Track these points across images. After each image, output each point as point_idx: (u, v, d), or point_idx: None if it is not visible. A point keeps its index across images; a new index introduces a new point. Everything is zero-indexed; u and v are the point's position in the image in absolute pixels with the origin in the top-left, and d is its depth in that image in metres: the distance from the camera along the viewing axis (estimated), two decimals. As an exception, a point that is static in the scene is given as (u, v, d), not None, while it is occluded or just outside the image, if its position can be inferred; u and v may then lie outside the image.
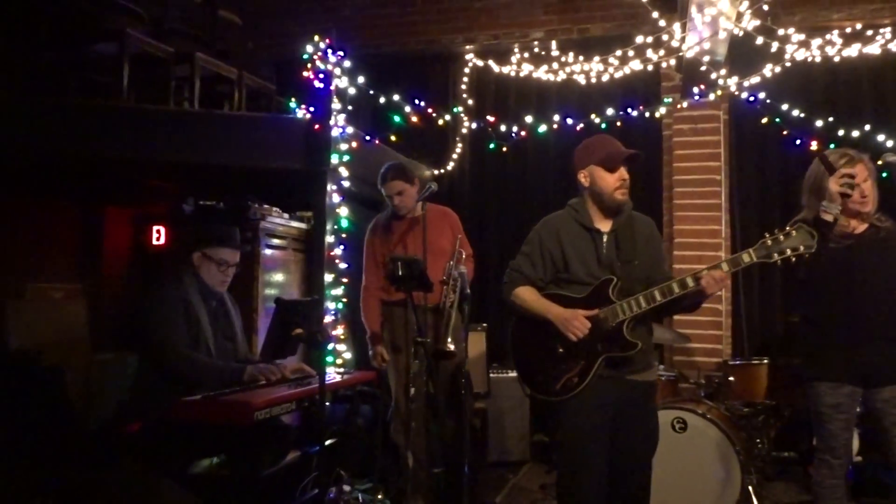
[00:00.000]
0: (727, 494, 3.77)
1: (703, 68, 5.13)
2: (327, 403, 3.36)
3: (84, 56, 4.72)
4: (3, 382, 3.73)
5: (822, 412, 2.93)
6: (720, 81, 5.24)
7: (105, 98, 4.56)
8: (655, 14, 5.16)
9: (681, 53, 5.13)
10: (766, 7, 4.78)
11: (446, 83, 6.34)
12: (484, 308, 5.72)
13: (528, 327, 2.88)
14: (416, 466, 3.98)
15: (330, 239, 4.58)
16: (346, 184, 4.64)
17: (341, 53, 4.80)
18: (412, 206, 4.14)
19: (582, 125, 5.35)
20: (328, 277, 4.54)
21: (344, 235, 4.65)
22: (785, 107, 5.07)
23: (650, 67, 5.30)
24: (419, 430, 3.93)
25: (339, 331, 4.58)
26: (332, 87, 4.66)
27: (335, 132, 4.59)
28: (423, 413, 3.93)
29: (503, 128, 5.60)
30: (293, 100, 5.11)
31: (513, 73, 5.65)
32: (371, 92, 5.20)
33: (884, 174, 3.07)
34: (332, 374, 3.74)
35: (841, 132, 4.94)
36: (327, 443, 3.58)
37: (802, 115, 5.04)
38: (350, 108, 4.81)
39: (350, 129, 4.70)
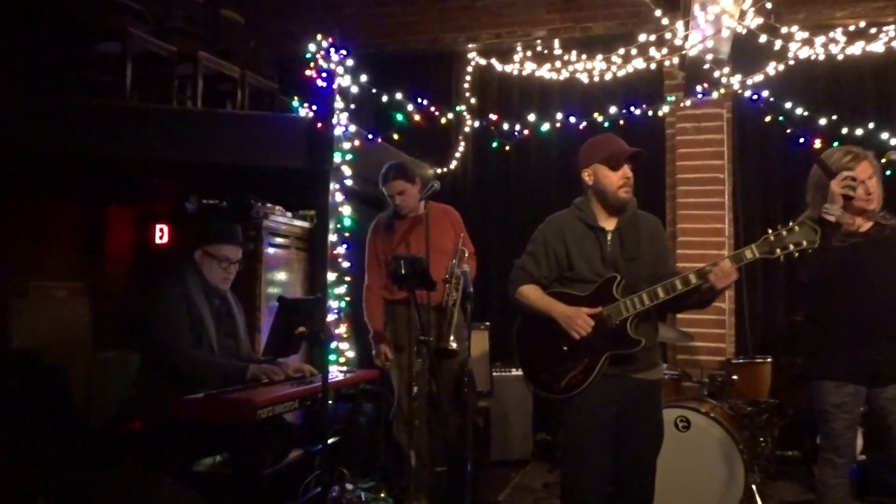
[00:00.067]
0: (730, 493, 3.76)
1: (706, 67, 5.13)
2: (330, 402, 3.35)
3: (87, 55, 4.72)
4: (4, 381, 3.74)
5: (826, 411, 2.91)
6: (723, 80, 5.24)
7: (108, 97, 4.56)
8: (658, 12, 5.17)
9: (684, 52, 5.13)
10: (769, 5, 4.78)
11: (449, 82, 6.32)
12: (486, 306, 5.70)
13: (533, 325, 2.88)
14: (419, 465, 3.96)
15: (333, 237, 4.59)
16: (348, 182, 4.65)
17: (344, 52, 4.81)
18: (414, 206, 4.13)
19: (585, 124, 5.35)
20: (331, 276, 4.55)
21: (347, 234, 4.66)
22: (788, 105, 5.07)
23: (653, 66, 5.31)
24: (422, 429, 3.92)
25: (342, 329, 4.58)
26: (335, 86, 4.67)
27: (338, 131, 4.59)
28: (425, 412, 3.93)
29: (506, 126, 5.61)
30: (296, 99, 5.12)
31: (515, 72, 5.65)
32: (374, 91, 5.21)
33: (887, 172, 3.06)
34: (335, 373, 3.75)
35: (844, 130, 4.94)
36: (330, 441, 3.57)
37: (806, 113, 5.05)
38: (353, 106, 4.82)
39: (353, 128, 4.71)
